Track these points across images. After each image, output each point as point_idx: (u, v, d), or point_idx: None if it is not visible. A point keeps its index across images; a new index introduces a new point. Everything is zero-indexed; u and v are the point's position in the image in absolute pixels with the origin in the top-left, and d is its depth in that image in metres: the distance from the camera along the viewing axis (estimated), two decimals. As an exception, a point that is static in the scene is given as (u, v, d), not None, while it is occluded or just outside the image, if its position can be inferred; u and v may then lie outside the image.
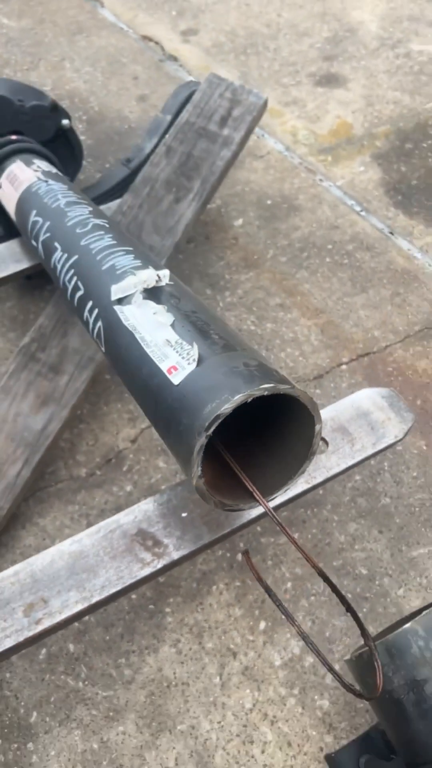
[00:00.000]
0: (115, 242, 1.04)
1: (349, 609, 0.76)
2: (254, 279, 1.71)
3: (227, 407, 0.65)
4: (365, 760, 0.93)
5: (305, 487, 1.09)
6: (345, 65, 2.33)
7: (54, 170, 1.47)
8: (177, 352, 0.75)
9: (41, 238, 1.20)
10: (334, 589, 0.75)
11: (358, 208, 1.85)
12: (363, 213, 1.84)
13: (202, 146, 1.63)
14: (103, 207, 1.65)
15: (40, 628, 0.98)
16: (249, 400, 0.65)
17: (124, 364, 0.83)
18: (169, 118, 1.75)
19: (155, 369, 0.75)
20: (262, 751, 1.06)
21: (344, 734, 1.06)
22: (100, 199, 1.74)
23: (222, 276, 1.73)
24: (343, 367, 1.51)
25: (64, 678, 1.15)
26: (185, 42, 2.58)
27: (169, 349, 0.75)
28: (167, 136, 1.66)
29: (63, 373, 1.39)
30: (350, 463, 1.12)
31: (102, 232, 1.08)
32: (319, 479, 1.10)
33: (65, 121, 1.73)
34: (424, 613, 0.82)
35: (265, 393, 0.66)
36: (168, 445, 0.78)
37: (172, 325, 0.79)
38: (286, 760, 1.05)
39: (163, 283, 0.89)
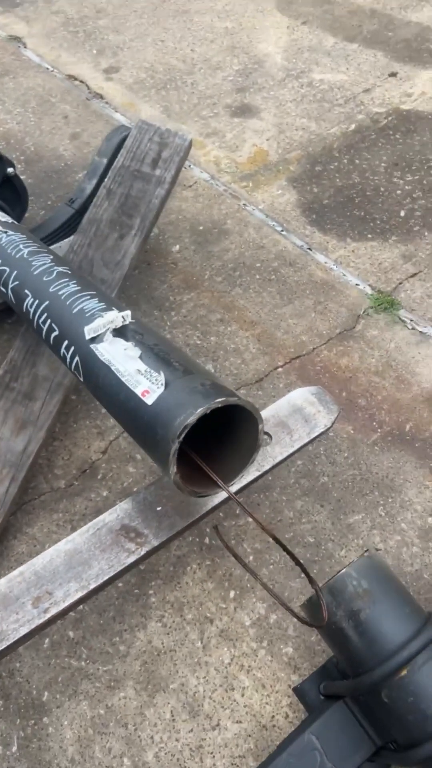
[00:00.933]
0: (79, 288, 1.24)
1: (298, 563, 0.99)
2: (195, 298, 1.94)
3: (192, 419, 0.87)
4: (324, 685, 1.17)
5: (256, 474, 1.32)
6: (256, 96, 2.59)
7: (9, 220, 1.66)
8: (147, 378, 0.96)
9: (10, 285, 1.38)
10: (284, 548, 0.98)
11: (279, 228, 2.11)
12: (284, 233, 2.09)
13: (138, 187, 1.84)
14: (54, 246, 1.84)
15: (48, 616, 1.17)
16: (208, 411, 0.87)
17: (103, 391, 1.04)
18: (105, 161, 1.95)
19: (131, 394, 0.96)
20: (242, 695, 1.28)
21: (307, 672, 1.30)
22: (49, 238, 1.93)
23: (166, 298, 1.95)
24: (279, 370, 1.76)
25: (68, 660, 1.35)
26: (108, 80, 2.78)
27: (140, 377, 0.97)
28: (106, 179, 1.86)
29: (36, 399, 1.58)
30: (290, 451, 1.36)
31: (66, 279, 1.28)
32: (267, 467, 1.33)
33: (10, 170, 1.91)
34: (355, 559, 1.07)
35: (219, 405, 0.88)
36: (146, 451, 0.99)
37: (140, 357, 1.00)
38: (262, 699, 1.28)
39: (126, 322, 1.10)
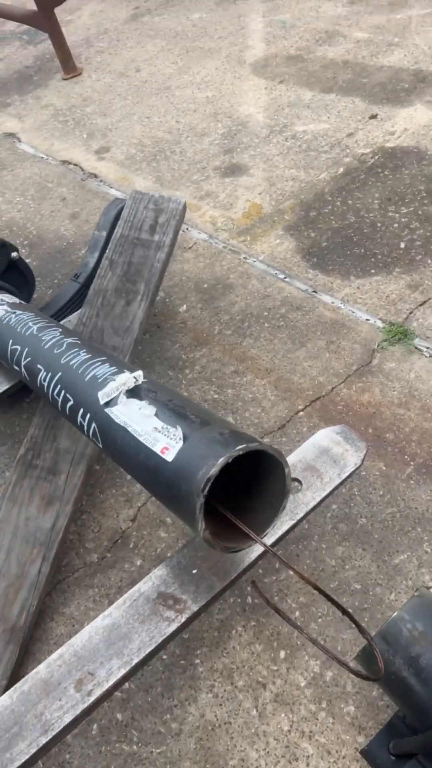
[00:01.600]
0: (90, 355, 1.24)
1: (345, 612, 0.93)
2: (207, 354, 1.94)
3: (214, 470, 0.84)
4: (393, 744, 1.09)
5: (291, 523, 1.27)
6: (244, 155, 2.67)
7: (17, 300, 1.69)
8: (165, 435, 0.94)
9: (23, 363, 1.39)
10: (329, 598, 0.93)
11: (282, 276, 2.12)
12: (287, 279, 2.10)
13: (139, 253, 1.88)
14: (64, 321, 1.86)
15: (92, 698, 1.11)
16: (230, 461, 0.85)
17: (122, 454, 1.02)
18: (104, 234, 2.00)
19: (150, 452, 0.94)
20: (307, 765, 1.19)
21: (373, 731, 1.21)
22: (58, 314, 1.96)
23: (179, 357, 1.95)
24: (301, 414, 1.73)
25: (119, 745, 1.27)
26: (101, 159, 2.89)
27: (158, 434, 0.95)
28: (107, 250, 1.90)
29: (60, 473, 1.56)
30: (323, 494, 1.32)
31: (76, 349, 1.28)
32: (301, 514, 1.29)
33: (14, 254, 1.97)
34: (406, 602, 1.00)
35: (240, 452, 0.85)
36: (172, 510, 0.96)
37: (156, 415, 0.98)
38: (329, 766, 1.19)
39: (139, 382, 1.09)
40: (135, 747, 1.26)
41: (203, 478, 0.84)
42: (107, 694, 1.12)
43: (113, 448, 1.05)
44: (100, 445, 1.11)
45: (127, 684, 1.34)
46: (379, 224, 2.18)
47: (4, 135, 3.24)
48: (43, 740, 1.08)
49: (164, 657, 1.37)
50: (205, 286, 2.16)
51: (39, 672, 1.15)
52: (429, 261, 2.02)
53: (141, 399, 1.04)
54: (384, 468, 1.58)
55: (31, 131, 3.21)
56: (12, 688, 1.13)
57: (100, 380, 1.14)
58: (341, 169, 2.45)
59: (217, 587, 1.22)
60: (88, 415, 1.12)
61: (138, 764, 1.24)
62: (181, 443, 0.91)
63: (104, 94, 3.34)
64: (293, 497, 1.29)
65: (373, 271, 2.04)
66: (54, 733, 1.08)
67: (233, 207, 2.44)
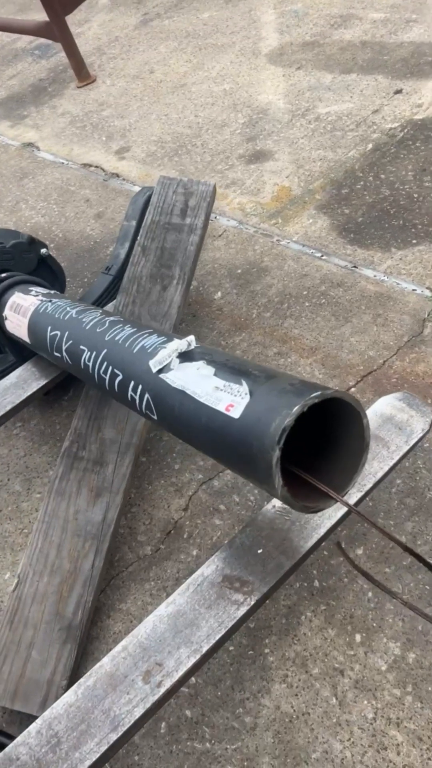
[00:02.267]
0: (135, 329, 1.18)
1: (439, 572, 0.85)
2: (248, 338, 1.87)
3: (289, 420, 0.76)
4: None
5: (359, 495, 1.19)
6: (267, 141, 2.61)
7: (52, 291, 1.64)
8: (228, 393, 0.87)
9: (64, 347, 1.34)
10: (419, 557, 0.84)
11: (318, 255, 2.04)
12: (324, 257, 2.03)
13: (171, 238, 1.82)
14: (98, 312, 1.81)
15: (162, 690, 1.04)
16: (305, 409, 0.77)
17: (182, 420, 0.95)
18: (134, 223, 1.95)
19: (213, 412, 0.87)
20: (398, 754, 1.10)
21: (467, 714, 1.11)
22: (92, 307, 1.91)
23: (218, 343, 1.88)
24: (353, 390, 1.64)
25: (190, 744, 1.19)
26: (121, 159, 2.86)
27: (220, 393, 0.88)
28: (139, 237, 1.85)
29: (107, 464, 1.50)
30: (391, 463, 1.23)
31: (120, 325, 1.22)
32: (369, 485, 1.20)
33: (43, 251, 1.92)
34: None
35: (316, 400, 0.78)
36: (242, 474, 0.89)
37: (215, 374, 0.91)
38: (422, 754, 1.09)
39: (192, 347, 1.02)
40: (208, 744, 1.18)
41: (277, 429, 0.77)
42: (177, 685, 1.05)
43: (171, 416, 0.98)
44: (155, 417, 1.04)
45: (193, 679, 1.26)
46: (415, 195, 2.10)
47: (23, 145, 3.23)
48: (114, 737, 1.00)
49: (231, 648, 1.29)
50: (239, 271, 2.09)
51: (103, 666, 1.07)
52: (473, 226, 1.93)
53: (197, 361, 0.97)
54: (448, 438, 1.48)
55: (49, 139, 3.20)
56: (76, 684, 1.06)
57: (149, 350, 1.08)
58: (370, 146, 2.37)
59: (286, 566, 1.13)
60: (140, 387, 1.05)
61: (213, 762, 1.16)
62: (247, 398, 0.84)
63: (120, 98, 3.33)
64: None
65: (414, 241, 1.96)
66: (125, 729, 1.01)
67: (261, 192, 2.37)
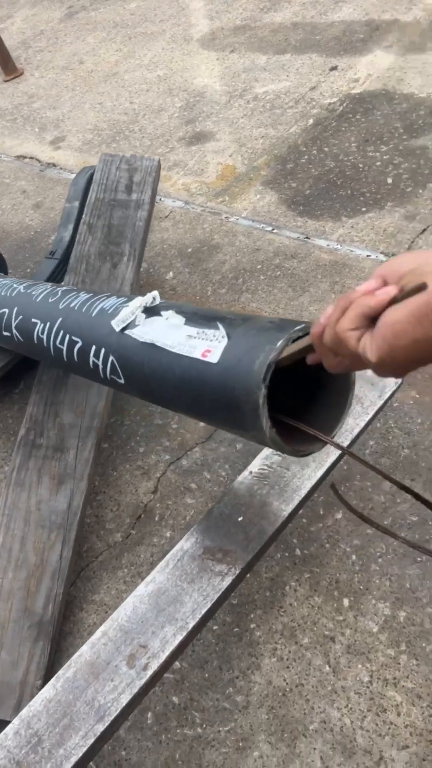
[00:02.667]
0: (90, 295, 1.10)
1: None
2: (204, 316, 1.81)
3: (274, 355, 0.71)
4: None
5: (338, 453, 1.15)
6: (207, 122, 2.57)
7: (-6, 273, 1.54)
8: (203, 339, 0.81)
9: (14, 324, 1.25)
10: (413, 493, 0.80)
11: (269, 229, 2.01)
12: (276, 231, 1.99)
13: (118, 215, 1.75)
14: (46, 296, 1.71)
15: (149, 672, 0.96)
16: (289, 343, 0.72)
17: (154, 377, 0.88)
18: (76, 204, 1.86)
19: (189, 362, 0.81)
20: (398, 714, 1.06)
21: (463, 666, 1.08)
22: (39, 292, 1.81)
23: (174, 323, 1.82)
24: (316, 357, 1.61)
25: (180, 731, 1.12)
26: (57, 149, 2.76)
27: (194, 341, 0.82)
28: (84, 216, 1.77)
29: (68, 449, 1.41)
30: (367, 419, 1.19)
31: (74, 293, 1.14)
32: (347, 442, 1.16)
33: (-18, 238, 1.82)
34: None
35: (300, 333, 0.73)
36: (225, 424, 0.82)
37: (186, 323, 0.85)
38: (423, 711, 1.05)
39: (157, 302, 0.96)
40: (199, 729, 1.11)
41: (262, 366, 0.71)
42: (165, 666, 0.98)
43: (140, 375, 0.91)
44: (122, 381, 0.97)
45: (178, 663, 1.19)
46: (360, 165, 2.09)
47: None
48: (101, 728, 0.93)
49: (215, 628, 1.22)
50: (190, 250, 2.03)
51: (82, 654, 1.00)
52: (420, 191, 1.93)
53: (165, 311, 0.90)
54: (417, 396, 1.46)
55: (-21, 133, 3.06)
56: (54, 677, 0.98)
57: (110, 311, 1.00)
58: (311, 121, 2.36)
59: (269, 531, 1.08)
60: (103, 351, 0.98)
61: (206, 747, 1.09)
62: (225, 341, 0.78)
63: (50, 89, 3.22)
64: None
65: (364, 209, 1.95)
66: (112, 717, 0.93)
67: (205, 172, 2.33)
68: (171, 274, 1.98)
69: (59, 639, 1.26)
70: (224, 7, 3.32)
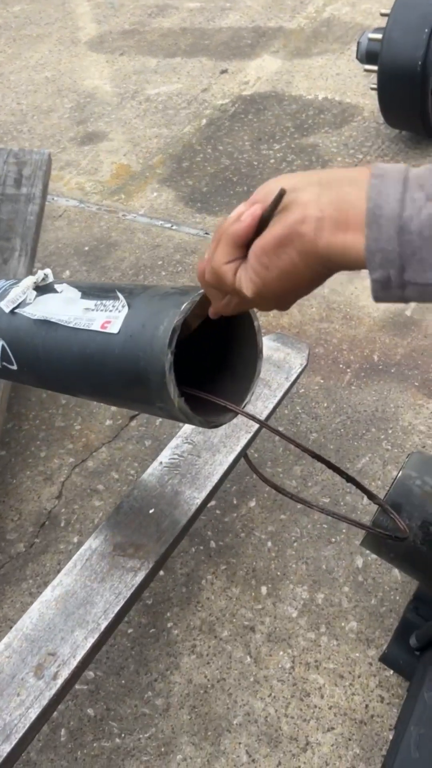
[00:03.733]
0: (-23, 280, 1.02)
1: (350, 478, 0.79)
2: (105, 313, 1.75)
3: (179, 319, 0.67)
4: (415, 635, 0.96)
5: (248, 437, 1.12)
6: (99, 123, 2.51)
7: None
8: (101, 311, 0.76)
9: None
10: (329, 463, 0.78)
11: (168, 225, 1.98)
12: (175, 227, 1.97)
13: (7, 209, 1.65)
14: None
15: (59, 681, 0.89)
16: (194, 306, 0.68)
17: (51, 359, 0.81)
18: (-39, 200, 1.75)
19: (88, 335, 0.75)
20: (321, 696, 1.04)
21: (382, 640, 1.08)
22: None
23: (73, 322, 1.74)
24: (221, 349, 1.59)
25: (97, 744, 1.04)
26: None
27: (92, 313, 0.76)
28: (-31, 211, 1.66)
29: (-39, 455, 1.30)
30: (275, 401, 1.18)
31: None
32: (256, 426, 1.14)
33: None
34: (406, 460, 0.89)
35: (203, 297, 0.69)
36: (131, 400, 0.77)
37: (83, 297, 0.80)
38: (346, 691, 1.04)
39: (50, 280, 0.90)
40: (117, 740, 1.04)
41: (167, 331, 0.67)
42: (77, 673, 0.90)
43: (34, 358, 0.84)
44: (15, 367, 0.90)
45: (92, 673, 1.11)
46: (255, 162, 2.11)
47: None
48: (7, 749, 0.84)
49: (130, 631, 1.16)
50: (87, 248, 1.97)
51: (-17, 672, 0.90)
52: (313, 187, 1.98)
53: (58, 286, 0.84)
54: (322, 381, 1.47)
55: None
56: None
57: (-2, 294, 0.93)
58: (204, 121, 2.37)
59: (182, 521, 1.04)
60: (-9, 336, 0.90)
61: (126, 757, 1.02)
62: (125, 310, 0.73)
63: None
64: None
65: (260, 204, 1.96)
66: (19, 736, 0.85)
67: (99, 171, 2.27)
68: (68, 272, 1.90)
69: (-42, 662, 1.15)
70: (112, 12, 3.30)
